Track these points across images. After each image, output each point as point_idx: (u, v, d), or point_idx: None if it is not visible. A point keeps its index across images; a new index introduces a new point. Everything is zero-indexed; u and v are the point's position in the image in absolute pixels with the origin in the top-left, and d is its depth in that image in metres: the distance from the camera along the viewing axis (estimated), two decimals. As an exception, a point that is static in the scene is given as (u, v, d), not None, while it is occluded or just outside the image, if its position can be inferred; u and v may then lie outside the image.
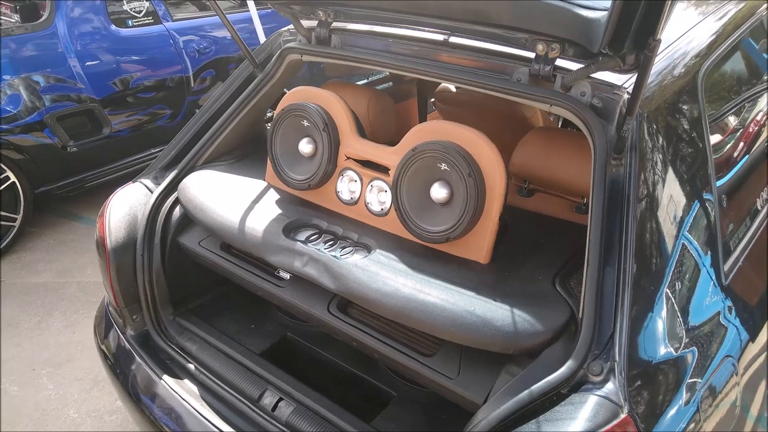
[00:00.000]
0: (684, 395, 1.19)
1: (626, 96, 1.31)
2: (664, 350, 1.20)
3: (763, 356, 1.56)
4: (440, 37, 1.55)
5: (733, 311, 1.42)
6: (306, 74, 3.01)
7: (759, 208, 1.71)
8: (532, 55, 1.37)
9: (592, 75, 1.32)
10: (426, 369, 1.32)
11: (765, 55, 1.98)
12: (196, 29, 3.90)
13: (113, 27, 3.52)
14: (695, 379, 1.23)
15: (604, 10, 1.16)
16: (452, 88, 2.57)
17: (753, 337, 1.50)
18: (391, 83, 2.83)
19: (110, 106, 3.50)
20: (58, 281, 3.16)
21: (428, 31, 1.57)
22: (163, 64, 3.71)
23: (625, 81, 1.34)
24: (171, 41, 3.74)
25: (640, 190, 1.24)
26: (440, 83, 2.66)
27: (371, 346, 1.40)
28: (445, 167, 1.39)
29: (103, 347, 1.84)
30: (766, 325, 1.59)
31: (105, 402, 2.38)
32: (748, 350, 1.46)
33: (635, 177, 1.23)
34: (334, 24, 1.68)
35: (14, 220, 3.32)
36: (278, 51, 1.78)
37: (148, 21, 3.68)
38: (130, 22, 3.58)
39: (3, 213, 3.26)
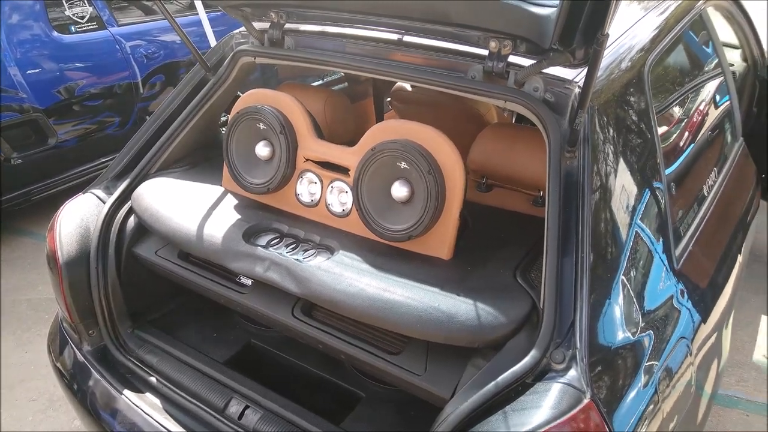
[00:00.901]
0: (643, 378, 1.23)
1: (577, 90, 1.35)
2: (622, 335, 1.24)
3: (714, 336, 1.63)
4: (395, 37, 1.55)
5: (685, 294, 1.48)
6: (259, 77, 2.97)
7: (705, 194, 1.78)
8: (485, 52, 1.39)
9: (545, 70, 1.35)
10: (393, 367, 1.32)
11: (706, 48, 2.07)
12: (143, 34, 3.79)
13: (55, 33, 3.39)
14: (652, 362, 1.27)
15: (554, 6, 1.18)
16: (408, 87, 2.58)
17: (705, 319, 1.56)
18: (346, 83, 2.82)
19: (55, 115, 3.36)
20: (7, 300, 3.02)
21: (383, 31, 1.58)
22: (110, 70, 3.59)
23: (576, 75, 1.37)
24: (117, 47, 3.63)
25: (594, 180, 1.27)
26: (396, 82, 2.67)
27: (337, 347, 1.39)
28: (405, 166, 1.40)
29: (58, 365, 1.77)
30: (716, 307, 1.66)
31: (62, 422, 2.29)
32: (700, 331, 1.52)
33: (588, 168, 1.27)
34: (287, 25, 1.67)
35: (-44, 237, 3.16)
36: (231, 54, 1.75)
37: (91, 26, 3.55)
38: (72, 28, 3.45)
39: (-57, 230, 3.10)
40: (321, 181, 1.57)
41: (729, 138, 2.15)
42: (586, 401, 1.08)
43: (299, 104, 1.60)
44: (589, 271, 1.17)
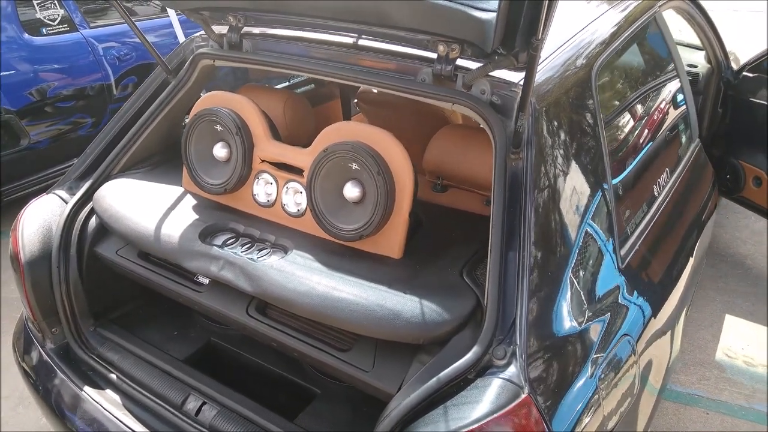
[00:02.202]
0: (584, 374, 1.26)
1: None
2: (564, 332, 1.27)
3: (664, 332, 1.67)
4: (349, 40, 1.58)
5: (631, 291, 1.52)
6: (230, 78, 2.99)
7: (656, 194, 1.83)
8: (435, 56, 1.43)
9: (492, 73, 1.39)
10: (342, 364, 1.35)
11: (660, 50, 2.12)
12: (116, 36, 3.79)
13: (26, 35, 3.38)
14: (595, 357, 1.31)
15: (495, 11, 1.22)
16: (374, 88, 2.61)
17: (654, 314, 1.60)
18: (313, 85, 2.85)
19: (27, 116, 3.36)
20: (-22, 300, 3.02)
21: (338, 35, 1.61)
22: (82, 72, 3.59)
23: (521, 78, 1.40)
24: (89, 49, 3.63)
25: (537, 181, 1.31)
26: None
27: (290, 345, 1.42)
28: (356, 167, 1.43)
29: (23, 363, 1.79)
30: (666, 303, 1.70)
31: (31, 418, 2.30)
32: (649, 327, 1.56)
33: (532, 169, 1.30)
34: (245, 29, 1.69)
35: (-73, 238, 3.15)
36: (191, 57, 1.77)
37: (63, 29, 3.55)
38: (44, 30, 3.45)
39: None
40: (276, 181, 1.60)
41: (684, 139, 2.20)
42: (523, 396, 1.12)
43: (255, 106, 1.62)
44: (529, 269, 1.21)
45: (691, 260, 1.93)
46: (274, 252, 1.51)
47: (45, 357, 1.71)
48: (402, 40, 1.49)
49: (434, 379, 1.15)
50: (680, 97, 2.21)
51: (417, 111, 2.31)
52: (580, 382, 1.26)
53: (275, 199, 1.61)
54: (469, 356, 1.16)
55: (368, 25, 1.46)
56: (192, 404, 1.52)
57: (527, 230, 1.25)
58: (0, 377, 2.44)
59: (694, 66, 2.94)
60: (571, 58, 1.54)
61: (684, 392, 2.45)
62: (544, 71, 1.45)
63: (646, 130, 1.90)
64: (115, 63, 3.76)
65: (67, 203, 1.74)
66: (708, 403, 2.40)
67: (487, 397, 1.12)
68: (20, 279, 1.66)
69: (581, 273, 1.37)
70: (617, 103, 1.76)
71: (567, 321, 1.29)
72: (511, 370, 1.15)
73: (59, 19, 3.51)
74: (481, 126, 1.40)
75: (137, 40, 3.89)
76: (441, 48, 1.38)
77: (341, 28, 1.56)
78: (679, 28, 2.68)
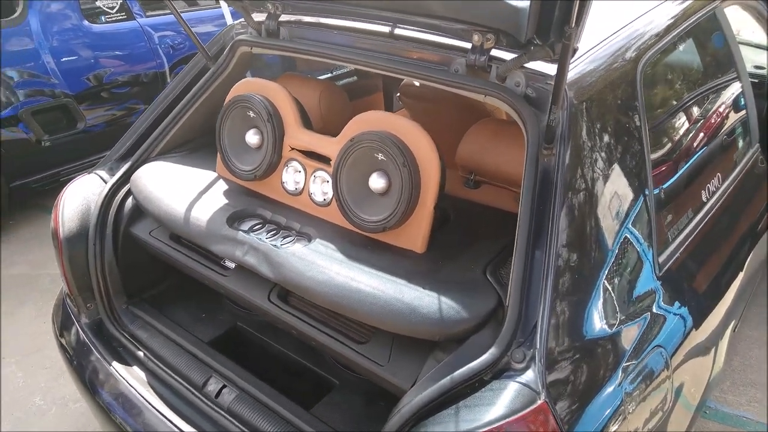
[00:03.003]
0: (610, 384, 1.20)
1: (557, 86, 1.32)
2: (590, 339, 1.21)
3: (706, 346, 1.57)
4: (384, 29, 1.56)
5: (670, 301, 1.43)
6: (277, 67, 3.02)
7: (704, 200, 1.72)
8: (469, 45, 1.39)
9: (527, 65, 1.33)
10: (358, 356, 1.33)
11: (718, 49, 1.99)
12: (170, 25, 3.92)
13: (86, 22, 3.54)
14: (624, 365, 1.24)
15: (530, -1, 1.17)
16: (416, 82, 2.58)
17: (695, 327, 1.51)
18: (355, 77, 2.84)
19: (84, 101, 3.52)
20: (32, 273, 3.18)
21: (374, 23, 1.59)
22: (137, 59, 3.73)
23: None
24: (145, 37, 3.76)
25: (571, 180, 1.25)
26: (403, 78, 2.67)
27: (308, 334, 1.42)
28: (382, 157, 1.41)
29: (60, 336, 1.86)
30: (710, 317, 1.60)
31: (70, 390, 2.40)
32: (689, 340, 1.47)
33: (564, 166, 1.24)
34: (283, 17, 1.70)
35: (-10, 213, 3.34)
36: (230, 43, 1.79)
37: (120, 17, 3.70)
38: (102, 17, 3.60)
39: (-21, 206, 3.29)
40: (305, 170, 1.60)
41: (740, 144, 2.06)
42: (539, 402, 1.07)
43: (287, 94, 1.62)
44: (555, 271, 1.15)
45: (742, 273, 1.81)
46: (298, 240, 1.50)
47: (79, 331, 1.77)
48: (437, 29, 1.45)
49: (448, 378, 1.12)
50: (739, 99, 2.07)
51: (460, 105, 2.26)
52: (604, 393, 1.19)
53: (303, 188, 1.61)
54: (485, 357, 1.12)
55: (404, 14, 1.43)
56: (213, 386, 1.54)
57: (556, 230, 1.19)
58: (0, 371, 2.54)
59: (761, 68, 2.75)
60: (617, 52, 1.46)
61: (731, 413, 2.31)
62: (585, 64, 1.38)
63: (696, 132, 1.79)
64: (169, 51, 3.88)
65: (106, 183, 1.79)
66: (757, 426, 2.25)
67: (501, 400, 1.08)
68: (59, 254, 1.72)
69: (616, 280, 1.29)
70: (665, 102, 1.66)
71: (595, 328, 1.23)
72: (529, 375, 1.10)
73: (117, 7, 3.66)
74: (515, 119, 1.35)
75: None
76: (476, 38, 1.34)
77: (377, 17, 1.54)
78: (749, 27, 2.51)
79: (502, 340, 1.13)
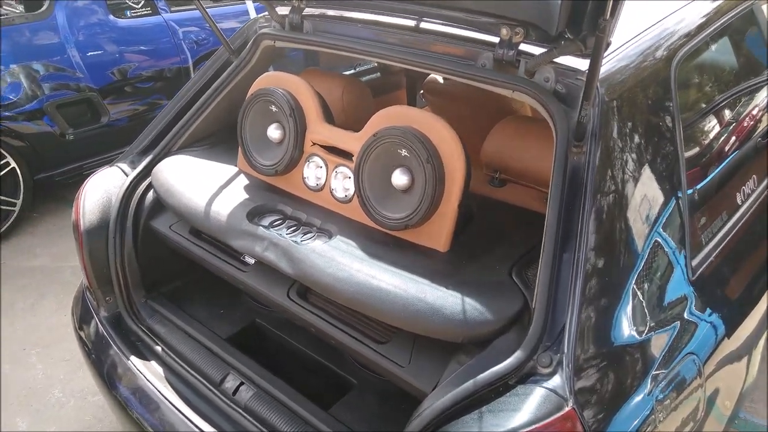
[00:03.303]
0: (640, 392, 1.16)
1: (588, 82, 1.28)
2: (620, 344, 1.17)
3: (738, 355, 1.51)
4: (410, 23, 1.53)
5: (702, 307, 1.38)
6: (300, 62, 3.00)
7: (739, 203, 1.66)
8: (497, 39, 1.35)
9: (557, 60, 1.29)
10: (378, 356, 1.30)
11: (756, 46, 1.92)
12: (195, 21, 3.93)
13: (111, 17, 3.56)
14: (654, 374, 1.19)
15: (562, -9, 1.13)
16: (440, 79, 2.54)
17: (728, 335, 1.45)
18: (379, 74, 2.80)
19: (109, 95, 3.55)
20: (54, 265, 3.21)
21: (399, 17, 1.55)
22: (162, 54, 3.74)
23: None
24: (169, 32, 3.77)
25: (601, 179, 1.20)
26: (428, 74, 2.63)
27: (328, 332, 1.39)
28: (405, 153, 1.37)
29: (79, 329, 1.86)
30: (743, 324, 1.54)
31: (89, 383, 2.40)
32: (721, 348, 1.42)
33: (595, 165, 1.20)
34: (307, 10, 1.67)
35: (15, 205, 3.38)
36: (253, 37, 1.77)
37: (146, 12, 3.71)
38: (128, 12, 3.62)
39: (4, 198, 3.32)
40: (326, 165, 1.57)
41: (778, 145, 1.99)
42: (567, 409, 1.03)
43: (310, 88, 1.60)
44: (585, 274, 1.11)
45: (777, 280, 1.74)
46: (319, 236, 1.48)
47: (98, 325, 1.77)
48: (464, 22, 1.41)
49: (471, 381, 1.08)
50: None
51: (485, 103, 2.22)
52: (634, 400, 1.15)
53: (324, 184, 1.58)
54: (510, 360, 1.08)
55: (431, 7, 1.40)
56: (230, 383, 1.52)
57: (586, 231, 1.15)
58: (0, 370, 2.56)
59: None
60: (649, 49, 1.41)
61: (761, 424, 2.23)
62: (617, 60, 1.33)
63: (731, 133, 1.72)
64: (193, 47, 3.89)
65: (127, 176, 1.79)
66: (787, 439, 2.18)
67: (527, 406, 1.04)
68: (79, 247, 1.72)
69: (646, 284, 1.25)
70: (699, 101, 1.60)
71: (625, 333, 1.18)
72: (556, 380, 1.06)
73: (142, 2, 3.67)
74: (543, 116, 1.31)
75: (215, 25, 4.02)
76: (504, 31, 1.30)
77: (403, 10, 1.51)
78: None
79: (528, 344, 1.09)
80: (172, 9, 3.85)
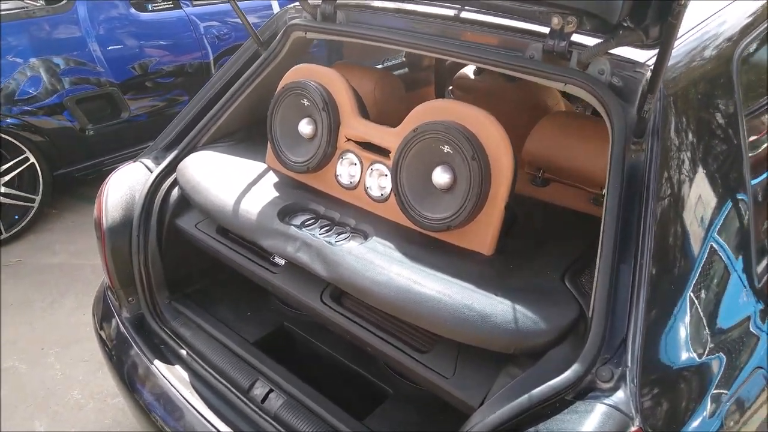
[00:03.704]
0: (706, 409, 1.07)
1: (649, 74, 1.19)
2: (684, 357, 1.08)
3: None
4: (450, 12, 1.45)
5: (763, 318, 1.28)
6: (325, 57, 2.93)
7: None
8: (546, 29, 1.27)
9: (612, 51, 1.21)
10: (420, 366, 1.22)
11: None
12: (217, 15, 3.87)
13: (133, 10, 3.51)
14: (720, 391, 1.11)
15: (624, -24, 1.04)
16: (470, 74, 2.46)
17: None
18: (407, 69, 2.72)
19: (129, 90, 3.50)
20: (74, 263, 3.17)
21: (438, 6, 1.47)
22: (183, 49, 3.69)
23: (649, 58, 1.22)
24: (191, 26, 3.72)
25: (663, 177, 1.12)
26: (458, 70, 2.55)
27: (364, 339, 1.31)
28: (448, 149, 1.29)
29: (100, 330, 1.81)
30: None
31: (109, 384, 2.35)
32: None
33: (657, 163, 1.12)
34: (340, 0, 1.60)
35: (33, 201, 3.34)
36: (283, 28, 1.70)
37: (167, 5, 3.66)
38: (149, 6, 3.57)
39: (23, 194, 3.29)
40: (361, 162, 1.50)
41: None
42: (633, 428, 0.95)
43: (345, 81, 1.52)
44: (649, 280, 1.03)
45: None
46: (354, 237, 1.40)
47: (120, 326, 1.71)
48: (509, 11, 1.33)
49: (526, 396, 1.00)
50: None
51: (517, 100, 2.14)
52: (700, 418, 1.06)
53: (358, 181, 1.50)
54: (568, 374, 1.00)
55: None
56: (259, 390, 1.45)
57: (649, 235, 1.07)
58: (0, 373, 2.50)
59: None
60: (710, 39, 1.32)
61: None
62: (674, 51, 1.24)
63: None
64: (215, 42, 3.83)
65: (151, 172, 1.73)
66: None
67: (588, 424, 0.96)
68: (101, 245, 1.66)
69: (709, 292, 1.16)
70: (763, 95, 1.50)
71: (688, 345, 1.09)
72: (619, 396, 0.97)
73: (164, -5, 3.63)
74: (598, 111, 1.22)
75: (237, 20, 3.95)
76: (555, 21, 1.22)
77: (443, -1, 1.43)
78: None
79: (587, 356, 1.01)
80: (194, 3, 3.79)
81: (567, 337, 1.10)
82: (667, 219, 1.12)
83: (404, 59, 2.79)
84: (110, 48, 3.40)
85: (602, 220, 1.11)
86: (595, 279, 1.07)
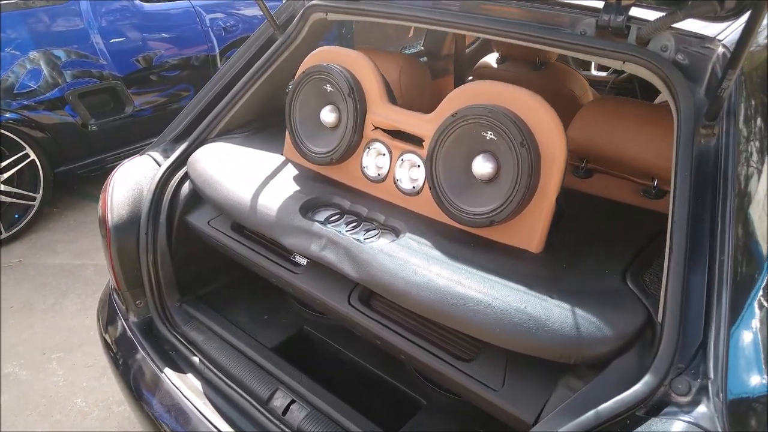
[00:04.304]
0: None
1: (721, 50, 1.07)
2: (758, 372, 0.95)
3: None
4: None
5: None
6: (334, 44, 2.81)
7: None
8: (599, 4, 1.14)
9: (677, 25, 1.09)
10: (463, 376, 1.10)
11: None
12: (223, 6, 3.75)
13: (137, 1, 3.39)
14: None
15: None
16: (493, 63, 2.33)
17: None
18: (425, 58, 2.60)
19: (133, 84, 3.37)
20: (76, 263, 3.05)
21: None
22: (188, 41, 3.56)
23: (720, 32, 1.09)
24: (197, 18, 3.60)
25: (741, 166, 0.99)
26: (478, 59, 2.43)
27: (397, 345, 1.19)
28: (492, 136, 1.17)
29: (105, 334, 1.69)
30: None
31: (113, 391, 2.23)
32: None
33: (735, 149, 0.99)
34: (365, -24, 1.47)
35: (34, 199, 3.22)
36: (301, 10, 1.58)
37: (173, -5, 3.54)
38: (154, -5, 3.45)
39: (23, 192, 3.17)
40: (390, 152, 1.37)
41: None
42: None
43: (372, 64, 1.39)
44: (731, 279, 0.90)
45: None
46: (384, 234, 1.28)
47: (127, 331, 1.59)
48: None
49: (592, 412, 0.88)
50: None
51: (541, 89, 2.01)
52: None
53: (387, 173, 1.38)
54: (639, 386, 0.89)
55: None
56: (279, 401, 1.33)
57: (726, 227, 0.94)
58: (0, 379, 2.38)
59: None
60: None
61: None
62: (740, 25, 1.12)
63: None
64: (221, 34, 3.71)
65: (160, 166, 1.61)
66: None
67: (666, 444, 0.83)
68: (106, 244, 1.54)
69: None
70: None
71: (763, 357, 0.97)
72: (701, 411, 0.85)
73: (170, -15, 3.51)
74: (661, 92, 1.10)
75: (243, 12, 3.83)
76: (612, -8, 1.09)
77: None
78: None
79: (659, 366, 0.89)
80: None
81: (634, 344, 0.98)
82: (746, 211, 0.99)
83: (422, 48, 2.67)
84: (113, 40, 3.27)
85: (670, 214, 0.99)
86: (665, 279, 0.95)
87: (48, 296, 2.80)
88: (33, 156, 3.10)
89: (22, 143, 3.05)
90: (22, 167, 3.11)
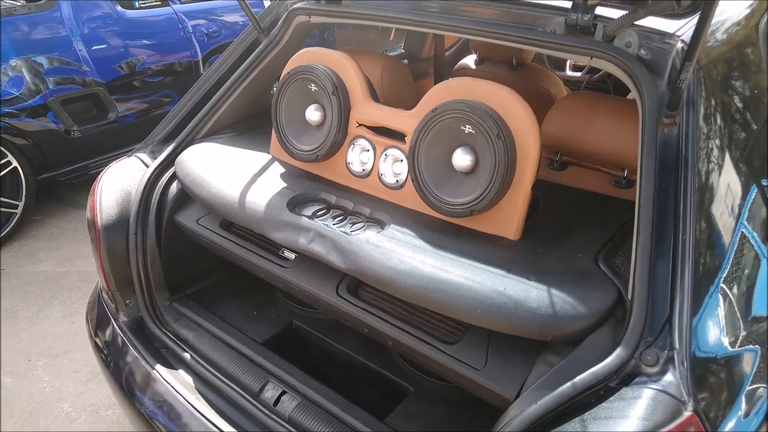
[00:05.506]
0: (745, 401, 1.01)
1: (680, 45, 1.14)
2: (722, 344, 1.02)
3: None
4: None
5: None
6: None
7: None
8: (568, 4, 1.21)
9: (639, 23, 1.16)
10: (447, 358, 1.15)
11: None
12: (206, 13, 3.78)
13: (119, 8, 3.41)
14: (758, 385, 1.05)
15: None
16: (471, 64, 2.41)
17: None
18: (406, 61, 2.66)
19: (116, 90, 3.39)
20: (59, 270, 3.04)
21: (450, -16, 1.41)
22: (171, 47, 3.59)
23: (679, 28, 1.17)
24: (179, 24, 3.62)
25: (700, 152, 1.07)
26: (458, 61, 2.50)
27: (384, 332, 1.24)
28: (470, 130, 1.23)
29: (95, 336, 1.70)
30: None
31: (101, 395, 2.24)
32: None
33: (694, 136, 1.07)
34: (346, -20, 1.53)
35: (16, 207, 3.21)
36: (285, 13, 1.63)
37: (155, 3, 3.56)
38: (136, 3, 3.47)
39: (5, 200, 3.15)
40: (374, 148, 1.42)
41: None
42: (687, 414, 0.89)
43: (355, 64, 1.45)
44: (692, 259, 0.97)
45: None
46: (369, 226, 1.33)
47: (117, 330, 1.61)
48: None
49: (569, 384, 0.94)
50: None
51: (520, 89, 2.08)
52: (740, 411, 1.00)
53: (371, 168, 1.43)
54: (611, 359, 0.95)
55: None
56: (270, 393, 1.37)
57: (687, 208, 1.01)
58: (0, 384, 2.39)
59: None
60: (732, 12, 1.28)
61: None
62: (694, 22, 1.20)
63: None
64: (204, 40, 3.74)
65: (148, 167, 1.64)
66: None
67: (637, 411, 0.89)
68: (95, 245, 1.57)
69: (740, 279, 1.10)
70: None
71: (724, 333, 1.04)
72: (668, 379, 0.91)
73: (151, -8, 3.53)
74: (626, 85, 1.17)
75: (225, 18, 3.87)
76: (579, -7, 1.16)
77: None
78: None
79: (630, 340, 0.95)
80: (183, 0, 3.69)
81: (606, 320, 1.04)
82: (708, 194, 1.06)
83: (403, 50, 2.73)
84: (96, 47, 3.28)
85: (637, 197, 1.05)
86: (633, 259, 1.01)
87: (32, 304, 2.79)
88: (15, 163, 3.09)
89: (5, 150, 3.04)
90: (4, 175, 3.09)
